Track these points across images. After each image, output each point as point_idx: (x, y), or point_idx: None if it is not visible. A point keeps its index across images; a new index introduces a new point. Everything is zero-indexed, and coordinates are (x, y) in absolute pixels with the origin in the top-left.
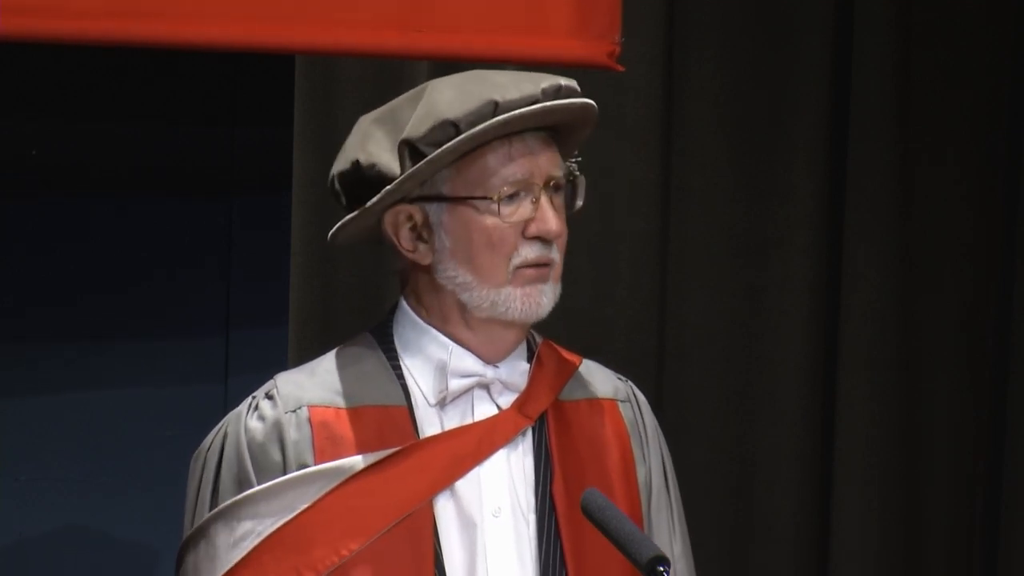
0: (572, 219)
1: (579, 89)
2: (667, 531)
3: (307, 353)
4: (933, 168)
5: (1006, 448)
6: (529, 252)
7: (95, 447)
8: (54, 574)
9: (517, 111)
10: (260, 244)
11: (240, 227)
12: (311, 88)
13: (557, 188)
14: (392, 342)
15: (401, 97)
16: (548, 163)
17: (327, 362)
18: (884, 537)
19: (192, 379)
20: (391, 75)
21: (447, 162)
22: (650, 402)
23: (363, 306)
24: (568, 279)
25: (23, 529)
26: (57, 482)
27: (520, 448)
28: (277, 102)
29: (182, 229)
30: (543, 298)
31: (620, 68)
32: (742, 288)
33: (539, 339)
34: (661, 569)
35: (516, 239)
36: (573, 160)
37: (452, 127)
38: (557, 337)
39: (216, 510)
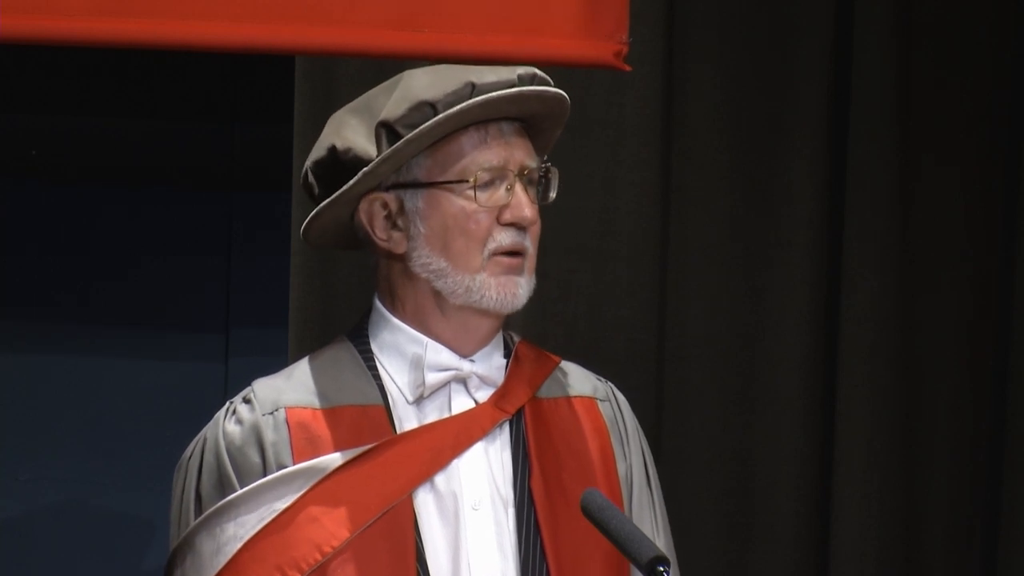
0: (572, 219)
1: (552, 81)
2: (650, 527)
3: (307, 353)
4: (933, 168)
5: (1006, 448)
6: (504, 238)
7: (95, 447)
8: (54, 574)
9: (495, 93)
10: (260, 244)
11: (240, 227)
12: (311, 88)
13: (531, 179)
14: (367, 342)
15: (375, 88)
16: (522, 152)
17: (303, 365)
18: (884, 537)
19: (192, 379)
20: (391, 75)
21: (424, 144)
22: (650, 402)
23: (363, 306)
24: (567, 279)
25: (23, 529)
26: (57, 482)
27: (498, 442)
28: (277, 102)
29: (182, 229)
30: (518, 289)
31: (627, 68)
32: (742, 288)
33: (517, 338)
34: (661, 569)
35: (490, 224)
36: (544, 162)
37: (430, 108)
38: (556, 337)
39: (198, 520)
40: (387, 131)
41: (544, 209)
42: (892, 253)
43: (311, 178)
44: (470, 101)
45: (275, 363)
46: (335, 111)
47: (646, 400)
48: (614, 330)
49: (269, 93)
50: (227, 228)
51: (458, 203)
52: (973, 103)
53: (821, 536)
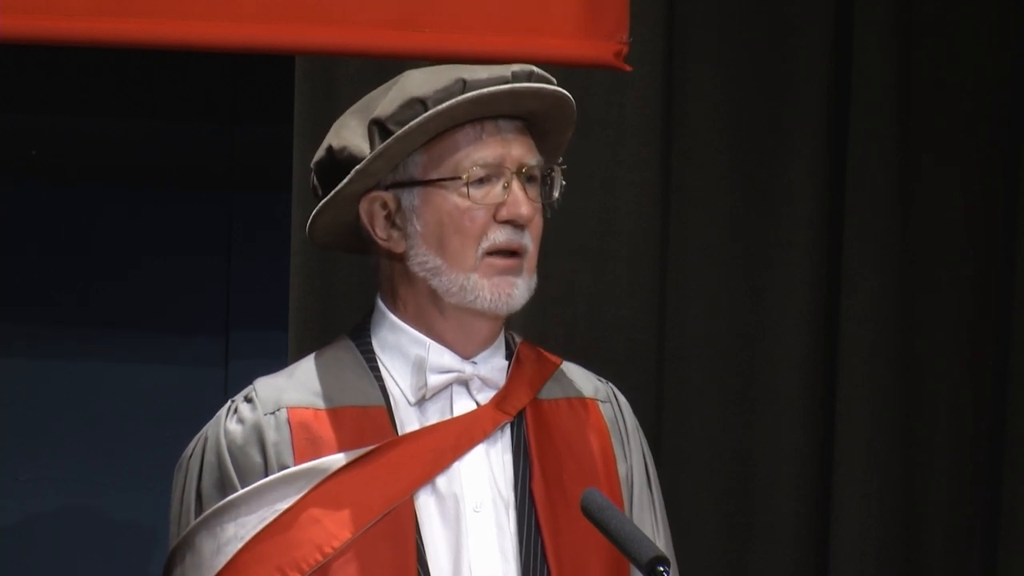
0: (572, 220)
1: (554, 80)
2: (650, 529)
3: (307, 353)
4: (933, 168)
5: (1006, 448)
6: (499, 236)
7: (95, 447)
8: (54, 574)
9: (486, 89)
10: (260, 244)
11: (240, 227)
12: (311, 88)
13: (531, 177)
14: (369, 343)
15: (378, 88)
16: (521, 150)
17: (305, 365)
18: (884, 537)
19: (192, 379)
20: (391, 75)
21: (417, 142)
22: (650, 402)
23: (363, 306)
24: (567, 279)
25: (23, 529)
26: (57, 482)
27: (499, 444)
28: (277, 102)
29: (182, 229)
30: (514, 289)
31: (628, 68)
32: (742, 288)
33: (518, 339)
34: (661, 569)
35: (487, 222)
36: (558, 165)
37: (420, 104)
38: (556, 337)
39: (199, 519)
40: (379, 128)
41: (544, 209)
42: (892, 253)
43: (314, 180)
44: (460, 97)
45: (275, 363)
46: (335, 111)
47: (646, 400)
48: (614, 330)
49: (269, 93)
50: (227, 228)
51: (452, 200)
52: (973, 103)
53: (821, 536)
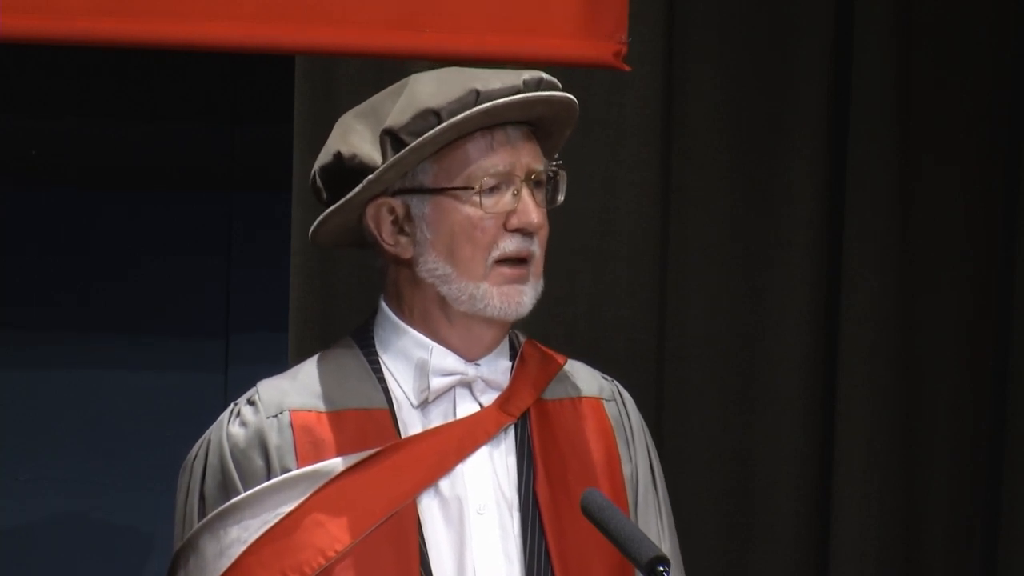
0: (572, 220)
1: (560, 85)
2: (655, 527)
3: (307, 353)
4: (933, 168)
5: (1006, 448)
6: (509, 245)
7: (95, 447)
8: (54, 574)
9: (499, 100)
10: (260, 244)
11: (240, 227)
12: (311, 88)
13: (538, 182)
14: (373, 345)
15: (382, 92)
16: (529, 156)
17: (308, 367)
18: (884, 537)
19: (192, 379)
20: (391, 75)
21: (428, 152)
22: (650, 402)
23: (363, 306)
24: (568, 279)
25: (23, 529)
26: (57, 482)
27: (503, 446)
28: (277, 102)
29: (182, 229)
30: (523, 297)
31: (627, 68)
32: (742, 288)
33: (523, 338)
34: (661, 569)
35: (497, 231)
36: (554, 163)
37: (434, 116)
38: (557, 337)
39: (202, 522)
40: (392, 139)
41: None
42: (892, 253)
43: (319, 182)
44: (474, 109)
45: (275, 364)
46: (335, 111)
47: (646, 400)
48: (614, 330)
49: (269, 93)
50: (227, 228)
51: (464, 210)
52: (973, 103)
53: (821, 536)
